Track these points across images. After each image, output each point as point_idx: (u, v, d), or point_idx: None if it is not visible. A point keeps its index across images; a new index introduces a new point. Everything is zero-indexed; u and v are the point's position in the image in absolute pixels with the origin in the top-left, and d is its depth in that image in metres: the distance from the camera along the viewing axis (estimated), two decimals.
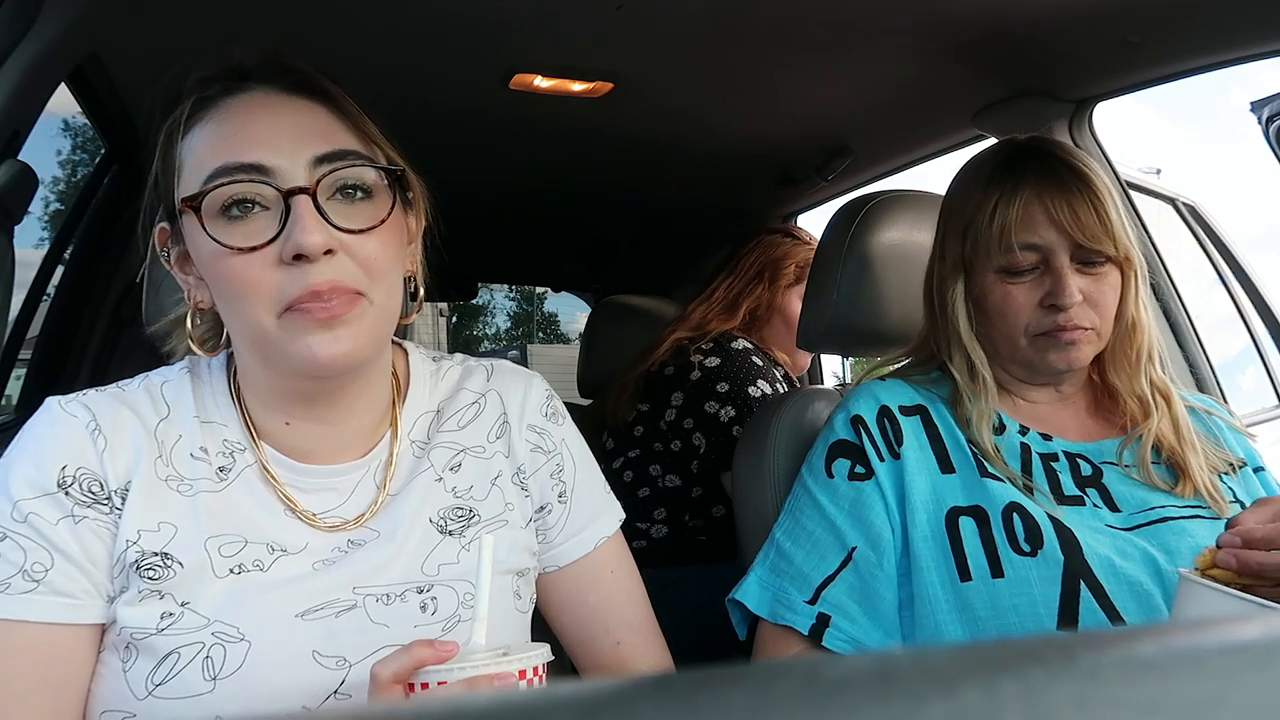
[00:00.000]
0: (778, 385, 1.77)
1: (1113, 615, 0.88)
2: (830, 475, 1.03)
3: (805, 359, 2.02)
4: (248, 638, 0.71)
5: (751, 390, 1.72)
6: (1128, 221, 1.01)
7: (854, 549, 0.98)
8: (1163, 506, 0.98)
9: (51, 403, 0.76)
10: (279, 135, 0.73)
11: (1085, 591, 0.89)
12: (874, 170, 2.12)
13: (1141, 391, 1.04)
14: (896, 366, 1.18)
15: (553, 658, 0.68)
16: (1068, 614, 0.89)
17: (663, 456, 1.78)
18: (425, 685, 0.63)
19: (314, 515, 0.78)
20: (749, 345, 1.79)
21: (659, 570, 1.56)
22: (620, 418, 1.86)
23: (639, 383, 1.87)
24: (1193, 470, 1.00)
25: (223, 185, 0.71)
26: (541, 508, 0.89)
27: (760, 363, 1.77)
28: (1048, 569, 0.91)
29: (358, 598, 0.76)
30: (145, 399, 0.79)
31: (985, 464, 1.00)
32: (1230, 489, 1.02)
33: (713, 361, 1.76)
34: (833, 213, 1.36)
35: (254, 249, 0.70)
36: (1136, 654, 0.21)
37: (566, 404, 0.96)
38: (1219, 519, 0.96)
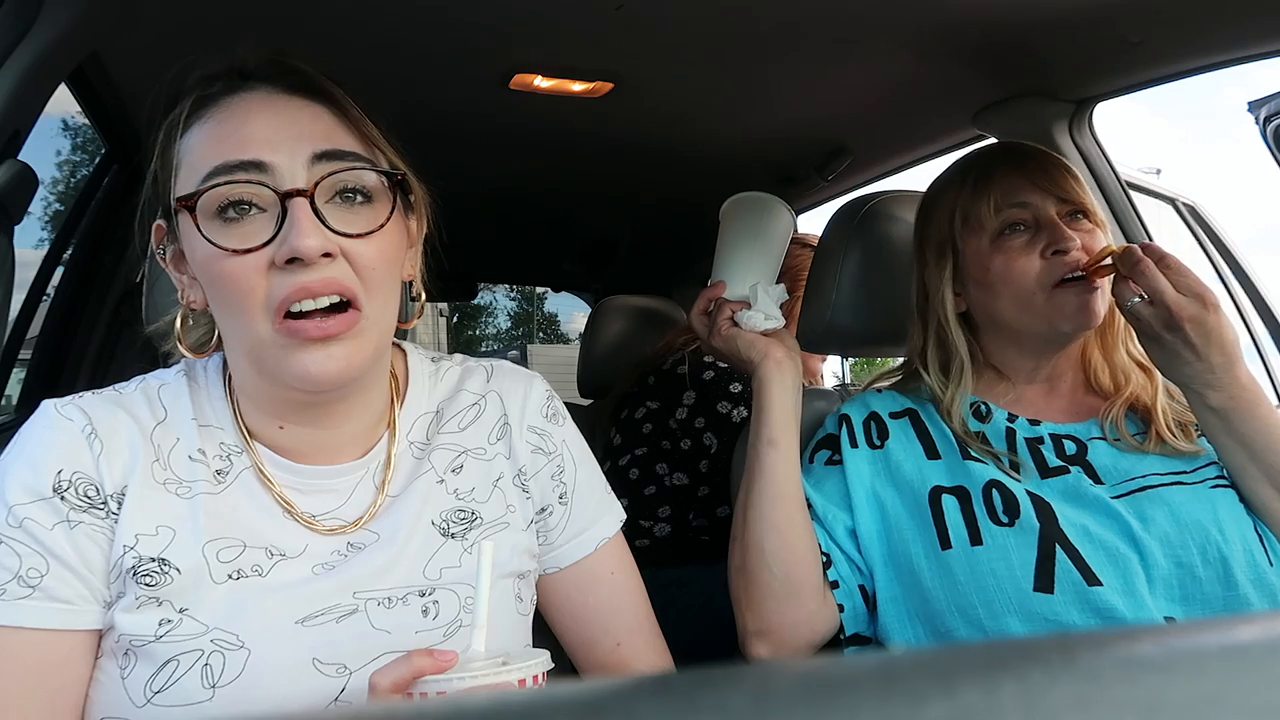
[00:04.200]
0: None
1: (1089, 576, 0.92)
2: (811, 462, 1.14)
3: (814, 363, 2.01)
4: (247, 645, 0.70)
5: None
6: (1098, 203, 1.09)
7: (811, 504, 1.08)
8: (1144, 476, 1.01)
9: (47, 406, 0.75)
10: (278, 133, 0.72)
11: (1060, 554, 0.94)
12: (874, 170, 2.12)
13: (1123, 363, 1.09)
14: (893, 381, 1.22)
15: (553, 665, 0.67)
16: (1044, 575, 0.93)
17: (671, 455, 1.78)
18: (424, 695, 0.63)
19: (312, 518, 0.77)
20: None
21: (661, 570, 1.56)
22: (603, 425, 1.85)
23: (636, 381, 1.86)
24: (1157, 412, 1.04)
25: (219, 185, 0.70)
26: (542, 509, 0.88)
27: None
28: (1024, 536, 0.96)
29: (359, 602, 0.75)
30: (142, 402, 0.78)
31: (969, 449, 1.06)
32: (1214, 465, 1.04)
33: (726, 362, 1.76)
34: (833, 213, 1.36)
35: (249, 251, 0.69)
36: (1136, 654, 0.21)
37: (566, 404, 0.95)
38: (1199, 485, 0.99)
